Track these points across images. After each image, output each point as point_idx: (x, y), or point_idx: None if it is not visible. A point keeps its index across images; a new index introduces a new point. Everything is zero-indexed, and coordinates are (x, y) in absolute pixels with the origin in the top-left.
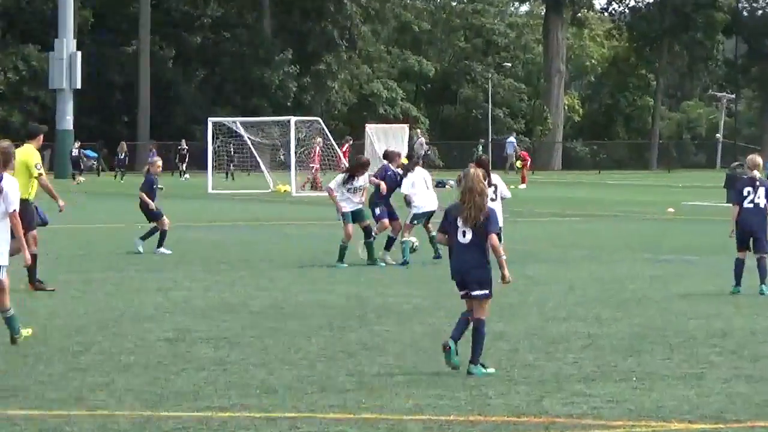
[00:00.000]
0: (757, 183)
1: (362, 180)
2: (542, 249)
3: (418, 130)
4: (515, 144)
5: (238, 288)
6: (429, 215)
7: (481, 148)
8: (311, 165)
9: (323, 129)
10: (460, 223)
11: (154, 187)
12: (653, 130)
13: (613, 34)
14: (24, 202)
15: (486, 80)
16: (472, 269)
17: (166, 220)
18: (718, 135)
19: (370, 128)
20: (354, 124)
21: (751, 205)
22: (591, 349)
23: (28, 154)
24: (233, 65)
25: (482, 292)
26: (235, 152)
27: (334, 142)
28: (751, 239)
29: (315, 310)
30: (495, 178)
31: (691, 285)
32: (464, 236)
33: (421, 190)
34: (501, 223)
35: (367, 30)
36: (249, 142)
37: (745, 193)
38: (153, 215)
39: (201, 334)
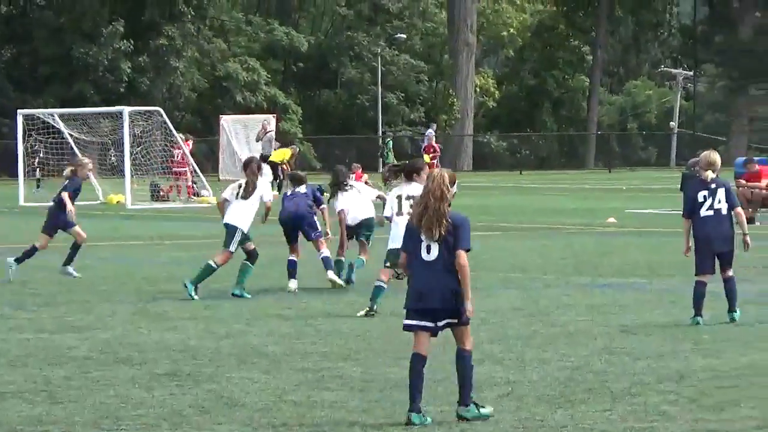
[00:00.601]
0: (713, 185)
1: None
2: None
3: (268, 119)
4: (433, 136)
5: (59, 328)
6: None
7: (390, 143)
8: (176, 169)
9: (166, 122)
10: (423, 236)
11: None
12: (589, 119)
13: None
14: None
15: (374, 57)
16: (434, 294)
17: (82, 232)
18: (672, 123)
19: (226, 120)
20: (205, 115)
21: (711, 212)
22: (510, 399)
23: None
24: (48, 41)
25: (443, 323)
26: (50, 153)
27: (180, 138)
28: (716, 255)
29: (158, 354)
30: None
31: (638, 316)
32: (428, 252)
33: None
34: None
35: None
36: (70, 141)
37: (700, 199)
38: (66, 225)
39: (12, 387)
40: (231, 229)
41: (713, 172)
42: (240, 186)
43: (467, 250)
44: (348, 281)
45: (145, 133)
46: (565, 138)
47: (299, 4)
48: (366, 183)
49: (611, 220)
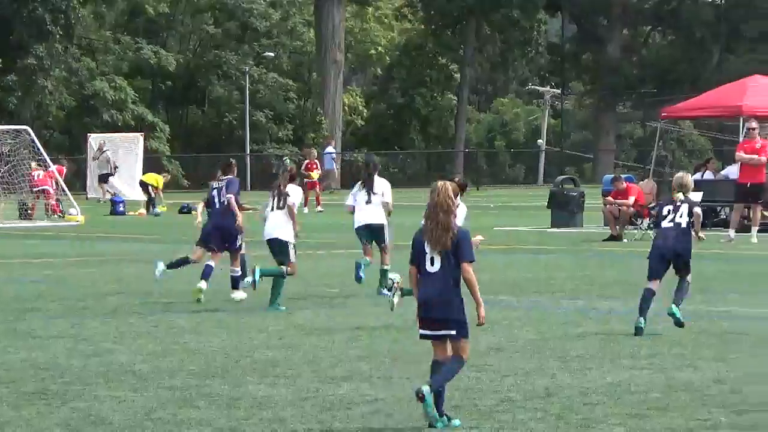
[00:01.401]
0: (678, 203)
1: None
2: (318, 289)
3: (98, 140)
4: (334, 156)
5: None
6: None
7: (288, 161)
8: (37, 188)
9: (34, 141)
10: (427, 248)
11: None
12: (457, 137)
13: (404, 13)
14: None
15: (242, 75)
16: (438, 304)
17: None
18: (540, 141)
19: (94, 139)
20: (73, 133)
21: (671, 224)
22: (378, 417)
23: None
24: None
25: (445, 333)
26: None
27: (47, 158)
28: (676, 262)
29: (25, 373)
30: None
31: (506, 333)
32: (432, 264)
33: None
34: None
35: (88, 13)
36: None
37: (664, 212)
38: None
39: None
40: (282, 244)
41: (684, 194)
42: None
43: (471, 262)
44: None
45: (13, 151)
46: (433, 156)
47: (167, 23)
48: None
49: (479, 238)
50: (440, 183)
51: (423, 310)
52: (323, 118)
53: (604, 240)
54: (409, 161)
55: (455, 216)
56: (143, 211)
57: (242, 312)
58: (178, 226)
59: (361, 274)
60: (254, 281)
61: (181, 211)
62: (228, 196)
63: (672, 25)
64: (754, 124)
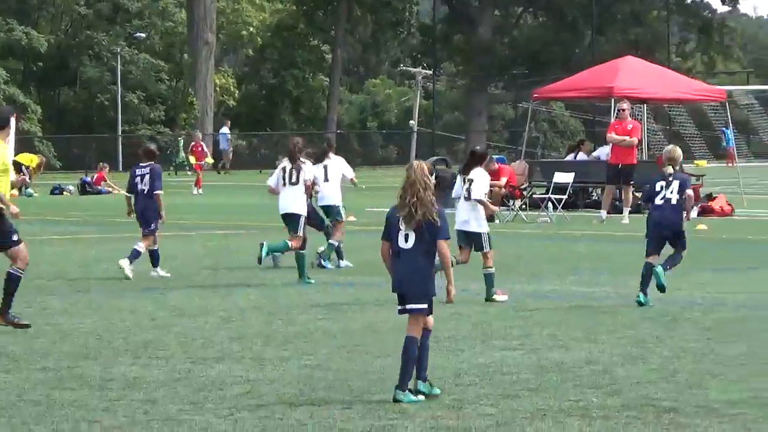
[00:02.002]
0: (670, 178)
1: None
2: (194, 271)
3: None
4: (229, 137)
5: None
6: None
7: (181, 142)
8: None
9: None
10: (402, 225)
11: None
12: (329, 118)
13: None
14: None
15: (114, 56)
16: (412, 279)
17: None
18: (412, 122)
19: None
20: None
21: (662, 202)
22: (250, 398)
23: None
24: None
25: (418, 306)
26: None
27: None
28: (669, 238)
29: None
30: (475, 172)
31: (379, 314)
32: (406, 241)
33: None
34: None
35: None
36: None
37: (657, 188)
38: None
39: None
40: (294, 217)
41: (673, 167)
42: (285, 172)
43: (447, 240)
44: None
45: None
46: (306, 137)
47: (38, 4)
48: (106, 182)
49: (352, 218)
50: (416, 162)
51: (398, 286)
52: (195, 99)
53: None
54: (280, 141)
55: (432, 192)
56: (15, 192)
57: (115, 294)
58: (51, 206)
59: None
60: (260, 257)
61: (53, 192)
62: (156, 193)
63: (543, 6)
64: (624, 105)
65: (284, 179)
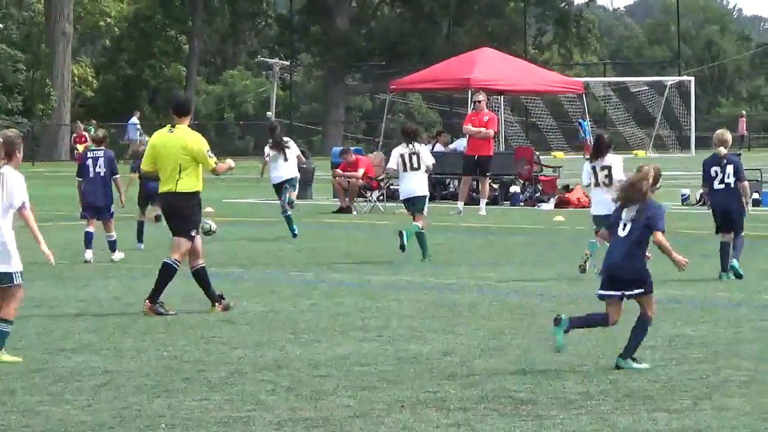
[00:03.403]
0: (725, 161)
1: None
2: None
3: None
4: (138, 126)
5: None
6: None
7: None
8: None
9: None
10: (623, 215)
11: None
12: None
13: None
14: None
15: None
16: (629, 266)
17: None
18: (269, 113)
19: None
20: None
21: (722, 186)
22: (108, 389)
23: (198, 139)
24: None
25: (637, 291)
26: None
27: None
28: (728, 220)
29: None
30: (610, 158)
31: (236, 305)
32: (624, 229)
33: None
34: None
35: None
36: None
37: (712, 173)
38: None
39: None
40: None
41: (725, 148)
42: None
43: (663, 231)
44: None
45: None
46: (161, 127)
47: None
48: None
49: (208, 209)
50: (647, 167)
51: (607, 272)
52: (52, 89)
53: (333, 212)
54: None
55: (651, 191)
56: None
57: None
58: None
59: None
60: (403, 244)
61: None
62: (115, 177)
63: None
64: (480, 96)
65: (405, 164)
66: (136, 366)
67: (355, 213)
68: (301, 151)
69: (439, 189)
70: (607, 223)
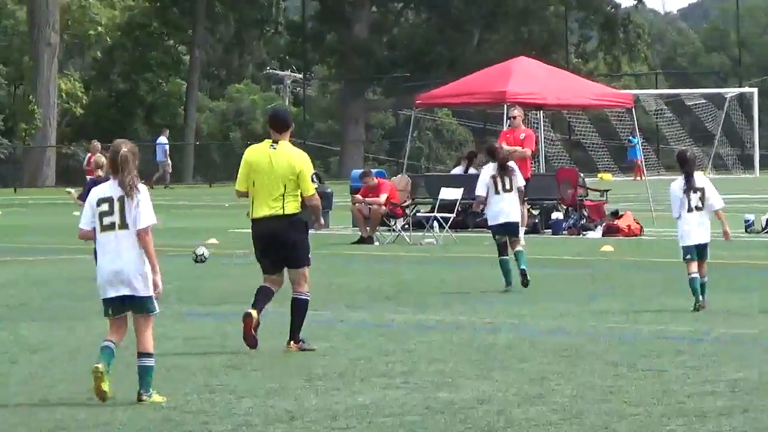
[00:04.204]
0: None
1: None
2: (42, 299)
3: None
4: (166, 147)
5: None
6: None
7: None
8: None
9: None
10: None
11: None
12: (187, 127)
13: None
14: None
15: None
16: None
17: None
18: None
19: None
20: None
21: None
22: None
23: (306, 159)
24: None
25: None
26: None
27: None
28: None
29: None
30: (701, 179)
31: (244, 349)
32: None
33: None
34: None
35: None
36: None
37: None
38: None
39: None
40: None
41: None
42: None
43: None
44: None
45: None
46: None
47: None
48: None
49: (213, 240)
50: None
51: None
52: (36, 106)
53: (353, 243)
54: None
55: None
56: None
57: None
58: None
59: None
60: (527, 280)
61: None
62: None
63: (426, 2)
64: (516, 111)
65: (496, 187)
66: (130, 417)
67: (377, 244)
68: (314, 174)
69: (472, 216)
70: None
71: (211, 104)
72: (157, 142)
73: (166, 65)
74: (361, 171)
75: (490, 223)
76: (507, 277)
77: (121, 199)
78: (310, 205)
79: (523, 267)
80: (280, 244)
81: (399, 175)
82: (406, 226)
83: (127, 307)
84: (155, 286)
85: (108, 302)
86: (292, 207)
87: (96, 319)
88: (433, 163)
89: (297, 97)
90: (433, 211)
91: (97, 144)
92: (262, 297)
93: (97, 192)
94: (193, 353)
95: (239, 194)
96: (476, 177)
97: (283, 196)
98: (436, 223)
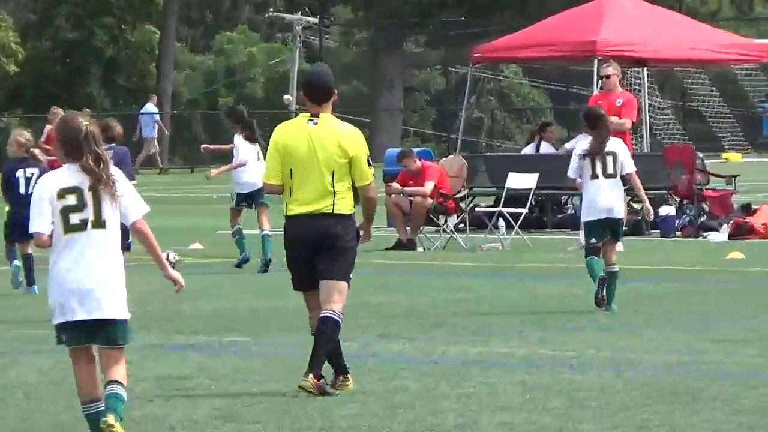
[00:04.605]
0: None
1: None
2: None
3: None
4: (157, 117)
5: None
6: None
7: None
8: None
9: None
10: None
11: None
12: (161, 90)
13: None
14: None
15: None
16: None
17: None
18: (288, 97)
19: None
20: None
21: None
22: None
23: (360, 137)
24: None
25: None
26: None
27: None
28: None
29: None
30: None
31: (243, 388)
32: None
33: None
34: None
35: None
36: None
37: None
38: None
39: None
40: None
41: None
42: None
43: None
44: None
45: None
46: (126, 119)
47: None
48: None
49: (197, 246)
50: None
51: None
52: None
53: (388, 249)
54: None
55: None
56: None
57: None
58: None
59: None
60: (608, 298)
61: None
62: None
63: None
64: (609, 69)
65: (594, 169)
66: None
67: (421, 249)
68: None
69: (550, 211)
70: None
71: (193, 60)
72: (143, 111)
73: (132, 6)
74: (399, 151)
75: (584, 218)
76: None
77: (93, 189)
78: (365, 199)
79: (611, 307)
80: (326, 249)
81: (451, 156)
82: (461, 225)
83: (94, 336)
84: (176, 280)
85: (68, 328)
86: (345, 204)
87: (28, 354)
88: (497, 139)
89: (311, 49)
90: (497, 205)
91: (60, 111)
92: (323, 342)
93: (52, 181)
94: (170, 398)
95: (271, 189)
96: (552, 158)
97: (333, 187)
98: (501, 221)
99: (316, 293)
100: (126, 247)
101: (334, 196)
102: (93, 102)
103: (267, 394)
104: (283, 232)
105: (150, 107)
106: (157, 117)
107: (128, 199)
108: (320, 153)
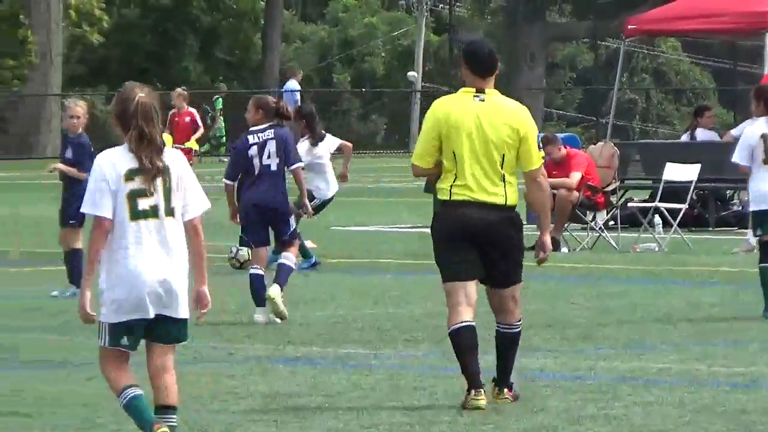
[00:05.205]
0: None
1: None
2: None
3: None
4: (297, 97)
5: None
6: None
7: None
8: None
9: None
10: None
11: None
12: (267, 66)
13: None
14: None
15: None
16: None
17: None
18: (413, 74)
19: None
20: None
21: None
22: None
23: (530, 117)
24: None
25: None
26: None
27: None
28: None
29: None
30: None
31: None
32: None
33: None
34: None
35: None
36: None
37: None
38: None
39: None
40: None
41: None
42: None
43: None
44: None
45: None
46: (228, 98)
47: None
48: None
49: (308, 244)
50: None
51: None
52: (29, 33)
53: (527, 249)
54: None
55: None
56: None
57: None
58: None
59: None
60: None
61: None
62: (295, 167)
63: None
64: None
65: (767, 153)
66: None
67: (564, 250)
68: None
69: (714, 207)
70: None
71: (304, 30)
72: (285, 88)
73: None
74: (540, 136)
75: (752, 208)
76: None
77: (164, 173)
78: (533, 187)
79: None
80: (492, 247)
81: (600, 143)
82: (611, 222)
83: (151, 334)
84: (202, 298)
85: (127, 327)
86: (514, 194)
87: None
88: (653, 124)
89: (439, 18)
90: (653, 200)
91: (183, 92)
92: (466, 350)
93: (114, 160)
94: (278, 418)
95: (420, 172)
96: (715, 146)
97: (503, 173)
98: (658, 218)
99: (467, 287)
100: None
101: (505, 185)
102: (189, 78)
103: (387, 412)
104: (434, 220)
105: (292, 84)
106: (298, 97)
107: (191, 190)
108: (491, 133)
